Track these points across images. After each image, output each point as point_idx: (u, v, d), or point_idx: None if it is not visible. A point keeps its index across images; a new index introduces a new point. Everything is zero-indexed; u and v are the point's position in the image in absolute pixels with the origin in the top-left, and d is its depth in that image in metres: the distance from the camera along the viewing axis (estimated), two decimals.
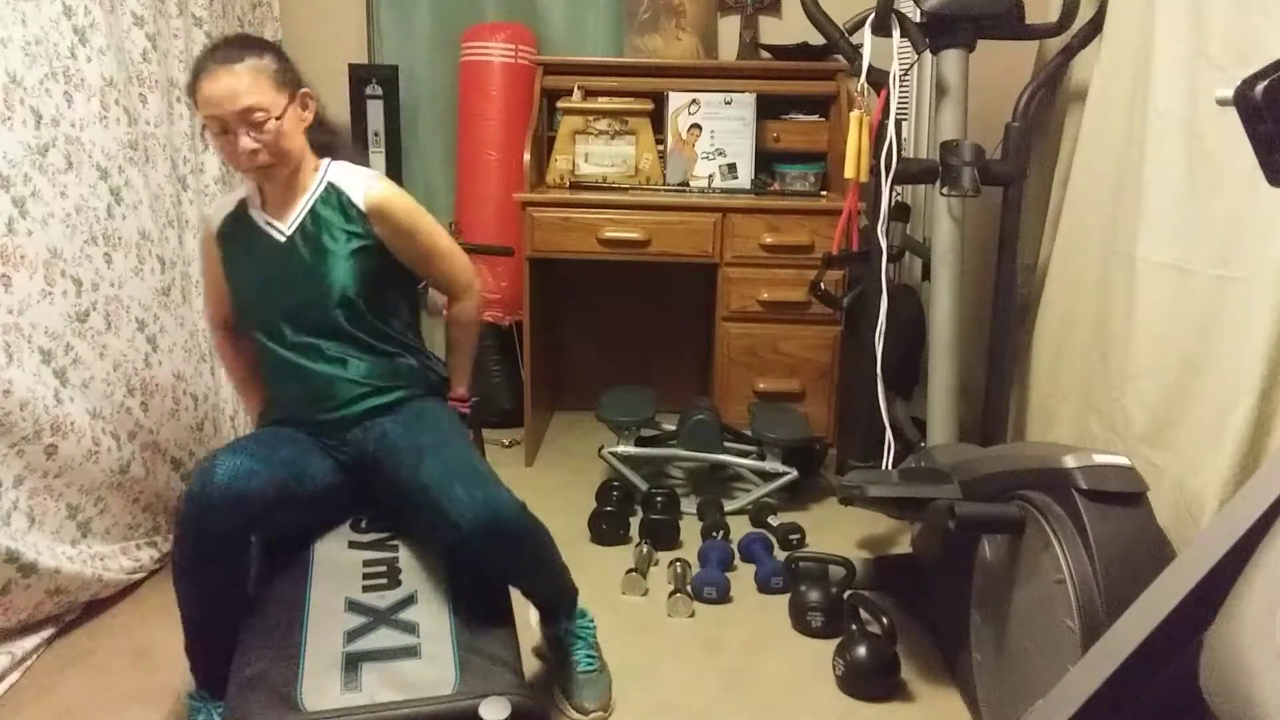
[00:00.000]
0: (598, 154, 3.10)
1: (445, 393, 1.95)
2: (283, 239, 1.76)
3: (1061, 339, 2.29)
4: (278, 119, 1.64)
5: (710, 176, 3.08)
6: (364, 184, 1.78)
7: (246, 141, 1.62)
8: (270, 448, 1.67)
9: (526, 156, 2.93)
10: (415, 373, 1.86)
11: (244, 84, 1.60)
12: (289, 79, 1.69)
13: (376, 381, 1.79)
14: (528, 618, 1.91)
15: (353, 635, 1.63)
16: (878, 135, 2.25)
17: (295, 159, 1.72)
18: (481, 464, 1.73)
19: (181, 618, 1.66)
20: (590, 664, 1.88)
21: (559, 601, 1.89)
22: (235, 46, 1.67)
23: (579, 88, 3.09)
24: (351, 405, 1.78)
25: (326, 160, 1.80)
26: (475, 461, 1.73)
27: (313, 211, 1.76)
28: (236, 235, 1.80)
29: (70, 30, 2.03)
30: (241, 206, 1.81)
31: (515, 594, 1.77)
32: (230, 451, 1.61)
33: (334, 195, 1.77)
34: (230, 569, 1.62)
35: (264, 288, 1.77)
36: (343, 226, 1.76)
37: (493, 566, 1.70)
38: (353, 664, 1.58)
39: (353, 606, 1.68)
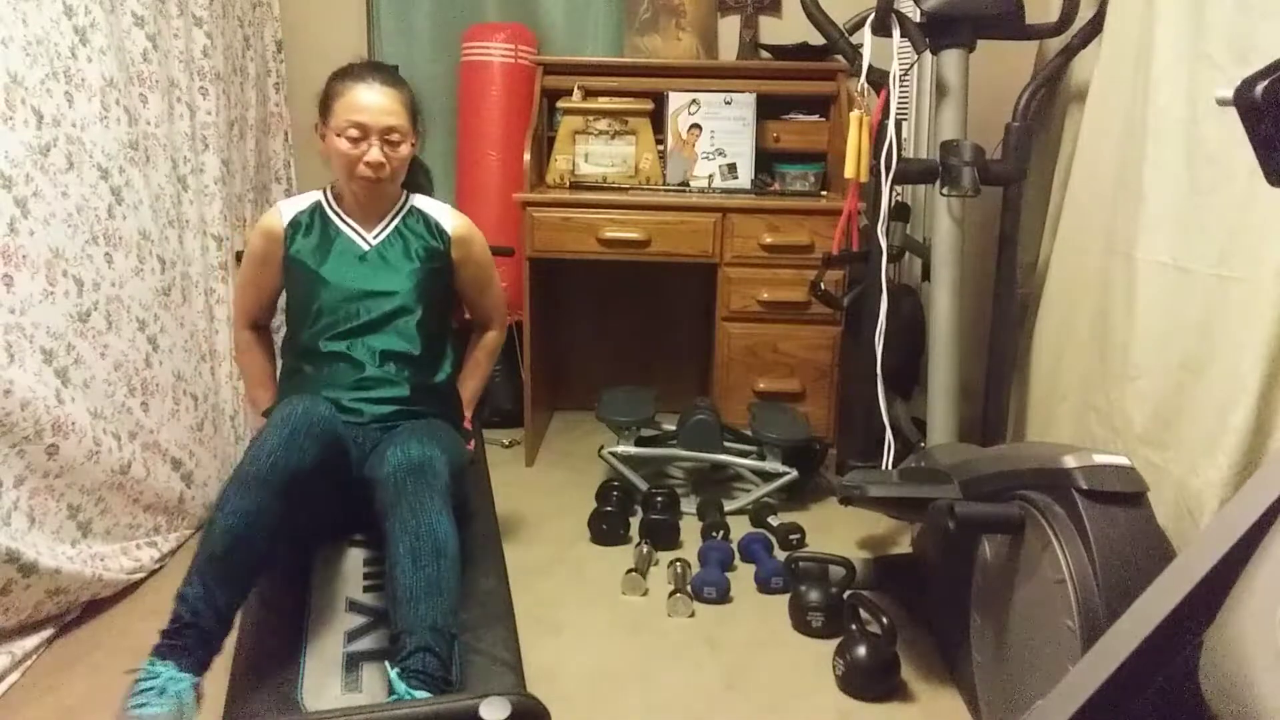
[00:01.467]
0: (598, 154, 3.10)
1: (459, 420, 2.05)
2: (366, 246, 1.96)
3: (1061, 339, 2.29)
4: (411, 145, 1.93)
5: (710, 176, 3.09)
6: (451, 214, 2.07)
7: (377, 153, 1.87)
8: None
9: (526, 156, 2.93)
10: (444, 394, 2.01)
11: (395, 106, 1.89)
12: (417, 118, 1.97)
13: (411, 401, 1.91)
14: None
15: (353, 635, 1.63)
16: (878, 135, 2.25)
17: (399, 182, 1.99)
18: (445, 451, 1.72)
19: (201, 553, 1.53)
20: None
21: (429, 642, 1.50)
22: (390, 74, 1.95)
23: (579, 88, 3.09)
24: (381, 406, 1.88)
25: (406, 191, 2.05)
26: (440, 439, 1.76)
27: (398, 229, 1.99)
28: (312, 228, 1.96)
29: (71, 30, 2.03)
30: (316, 207, 1.99)
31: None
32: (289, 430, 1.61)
33: (419, 218, 2.02)
34: (284, 509, 1.58)
35: (336, 283, 1.92)
36: (426, 244, 1.99)
37: (397, 522, 1.59)
38: (353, 664, 1.59)
39: (353, 607, 1.69)
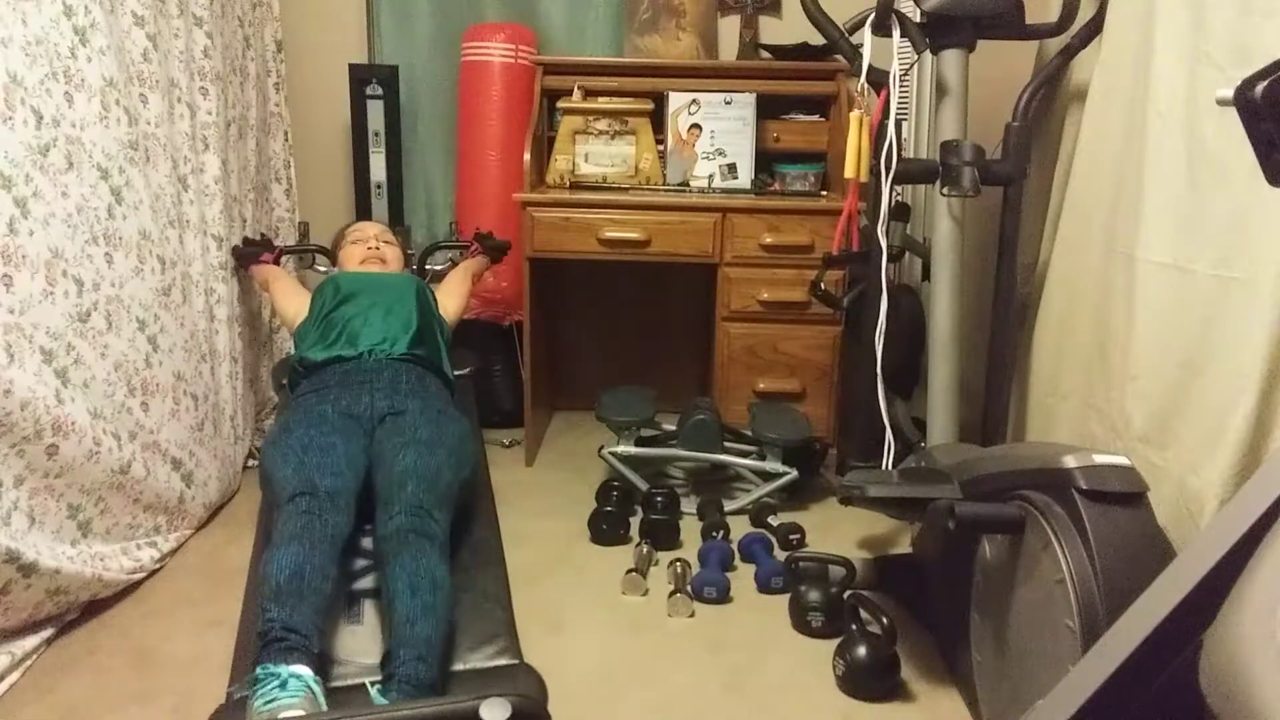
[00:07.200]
0: (598, 154, 3.10)
1: (463, 410, 2.37)
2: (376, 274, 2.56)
3: (1061, 339, 2.29)
4: (401, 252, 2.74)
5: (710, 176, 3.08)
6: None
7: (376, 240, 2.66)
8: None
9: (526, 156, 2.93)
10: (446, 376, 2.41)
11: (386, 230, 2.79)
12: (407, 253, 2.84)
13: (417, 332, 2.39)
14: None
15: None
16: (878, 135, 2.25)
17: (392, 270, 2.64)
18: (449, 488, 1.98)
19: (265, 593, 1.63)
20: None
21: (424, 656, 1.63)
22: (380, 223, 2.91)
23: (579, 88, 3.08)
24: (388, 328, 2.36)
25: None
26: (447, 481, 1.98)
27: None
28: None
29: (71, 30, 2.03)
30: None
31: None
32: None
33: None
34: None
35: (355, 286, 2.46)
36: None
37: (396, 561, 1.78)
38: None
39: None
